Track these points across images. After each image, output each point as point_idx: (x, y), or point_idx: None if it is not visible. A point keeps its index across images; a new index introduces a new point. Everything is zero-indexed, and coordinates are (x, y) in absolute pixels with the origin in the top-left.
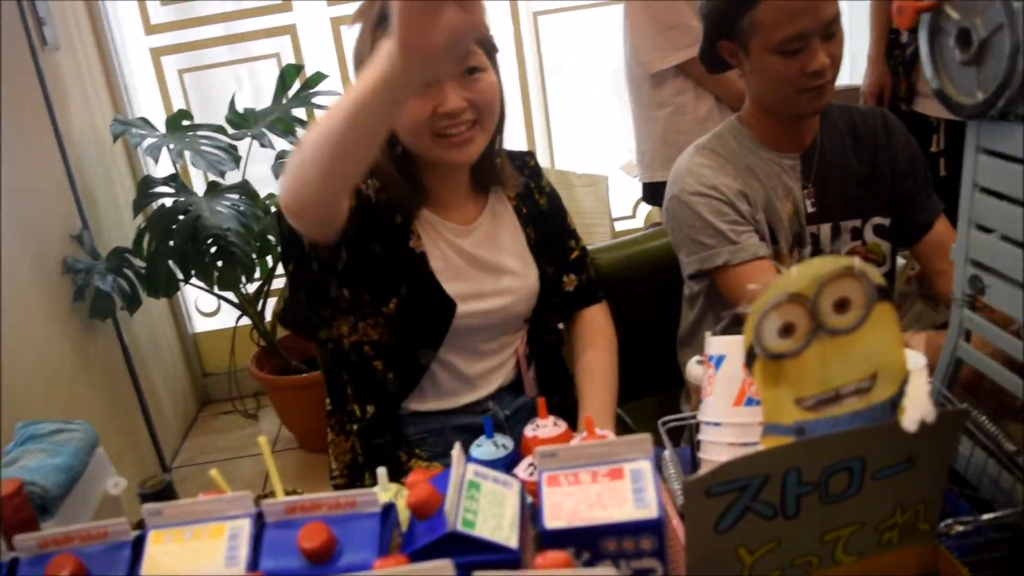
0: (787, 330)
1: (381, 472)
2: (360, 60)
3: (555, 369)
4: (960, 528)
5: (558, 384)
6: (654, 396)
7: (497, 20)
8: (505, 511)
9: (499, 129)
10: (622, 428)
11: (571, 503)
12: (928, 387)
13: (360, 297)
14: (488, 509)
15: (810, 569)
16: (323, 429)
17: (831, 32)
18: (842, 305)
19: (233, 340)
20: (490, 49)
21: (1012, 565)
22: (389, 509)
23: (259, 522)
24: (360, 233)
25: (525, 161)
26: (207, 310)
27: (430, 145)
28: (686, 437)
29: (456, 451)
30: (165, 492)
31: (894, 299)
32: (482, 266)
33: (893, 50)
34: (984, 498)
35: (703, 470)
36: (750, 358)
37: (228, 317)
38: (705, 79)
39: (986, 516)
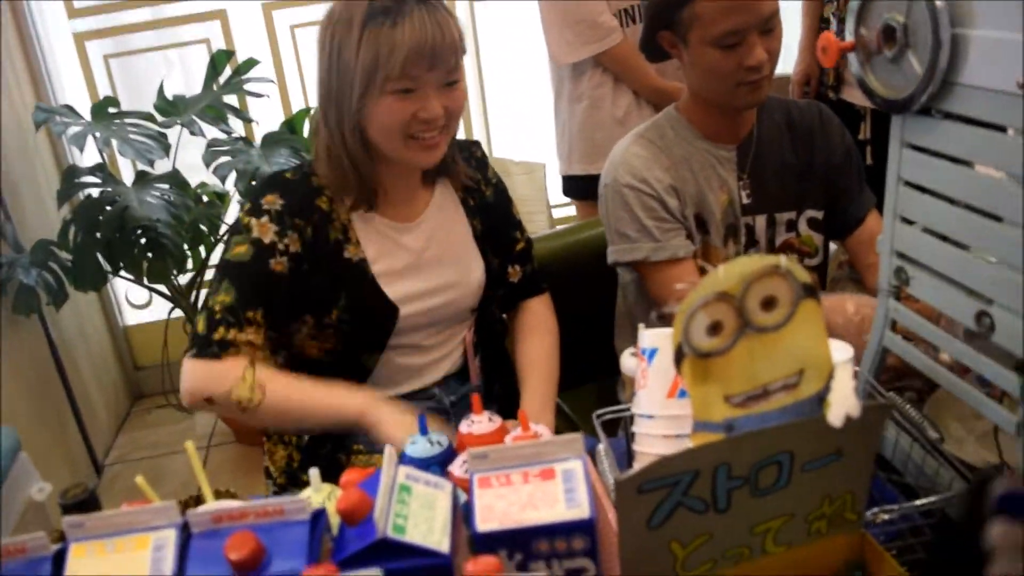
0: (715, 328)
1: (314, 473)
2: (341, 54)
3: (500, 357)
4: (886, 516)
5: (503, 372)
6: (593, 384)
7: None
8: (436, 514)
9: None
10: (561, 417)
11: (503, 505)
12: (853, 382)
13: (301, 321)
14: (419, 513)
15: (741, 560)
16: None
17: (769, 27)
18: (769, 303)
19: (166, 333)
20: (462, 55)
21: (937, 549)
22: (319, 515)
23: (185, 532)
24: (297, 276)
25: (472, 152)
26: (138, 303)
27: (400, 147)
28: (622, 427)
29: (387, 453)
30: (88, 502)
31: (827, 284)
32: (426, 263)
33: None
34: (909, 483)
35: (637, 462)
36: (679, 357)
37: (160, 310)
38: (622, 74)
39: (910, 504)
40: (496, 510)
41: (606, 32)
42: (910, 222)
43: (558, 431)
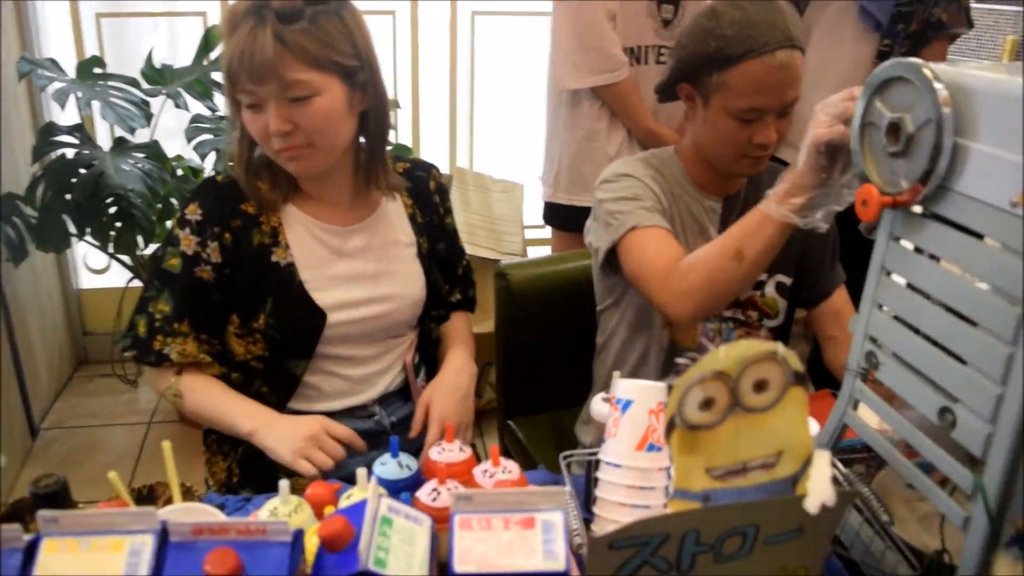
0: (707, 404)
1: (283, 485)
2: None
3: None
4: None
5: None
6: (548, 413)
7: (434, 14)
8: (416, 549)
9: (380, 139)
10: (513, 441)
11: (481, 548)
12: (831, 471)
13: (228, 320)
14: (400, 547)
15: None
16: None
17: (786, 112)
18: (760, 386)
19: (121, 302)
20: (337, 69)
21: None
22: (298, 537)
23: (162, 538)
24: (223, 282)
25: (430, 173)
26: (96, 267)
27: (274, 157)
28: (581, 465)
29: (372, 485)
30: (59, 494)
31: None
32: (359, 272)
33: None
34: (855, 559)
35: (599, 508)
36: (670, 427)
37: (118, 276)
38: (619, 111)
39: None
40: (474, 553)
41: (615, 65)
42: (886, 309)
43: (507, 454)
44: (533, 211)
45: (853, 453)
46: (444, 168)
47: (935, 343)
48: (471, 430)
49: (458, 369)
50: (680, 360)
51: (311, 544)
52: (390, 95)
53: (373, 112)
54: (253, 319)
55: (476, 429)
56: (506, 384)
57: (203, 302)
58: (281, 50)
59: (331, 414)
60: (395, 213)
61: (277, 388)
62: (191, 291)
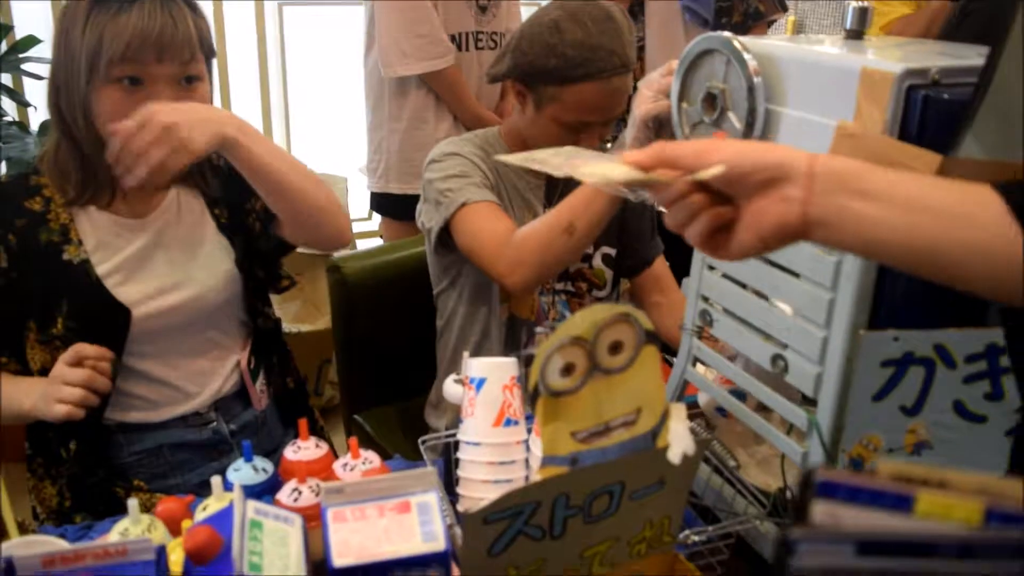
0: (568, 370)
1: (132, 504)
2: (69, 37)
3: (288, 380)
4: (696, 538)
5: (294, 395)
6: (393, 404)
7: (239, 9)
8: (290, 551)
9: None
10: (362, 435)
11: (359, 539)
12: (687, 422)
13: (26, 327)
14: (273, 550)
15: None
16: (20, 434)
17: (610, 122)
18: (616, 347)
19: None
20: (210, 55)
21: (733, 565)
22: (161, 553)
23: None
24: (12, 287)
25: None
26: None
27: None
28: (439, 451)
29: (236, 490)
30: None
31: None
32: (160, 260)
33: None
34: (707, 505)
35: (462, 488)
36: (534, 396)
37: None
38: (448, 97)
39: (715, 527)
40: (352, 544)
41: (444, 51)
42: (715, 269)
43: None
44: (358, 204)
45: (690, 410)
46: None
47: (763, 296)
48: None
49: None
50: (538, 330)
51: (175, 560)
52: None
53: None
54: (51, 325)
55: (321, 428)
56: (348, 379)
57: None
58: (194, 29)
59: (160, 425)
60: (190, 196)
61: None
62: None
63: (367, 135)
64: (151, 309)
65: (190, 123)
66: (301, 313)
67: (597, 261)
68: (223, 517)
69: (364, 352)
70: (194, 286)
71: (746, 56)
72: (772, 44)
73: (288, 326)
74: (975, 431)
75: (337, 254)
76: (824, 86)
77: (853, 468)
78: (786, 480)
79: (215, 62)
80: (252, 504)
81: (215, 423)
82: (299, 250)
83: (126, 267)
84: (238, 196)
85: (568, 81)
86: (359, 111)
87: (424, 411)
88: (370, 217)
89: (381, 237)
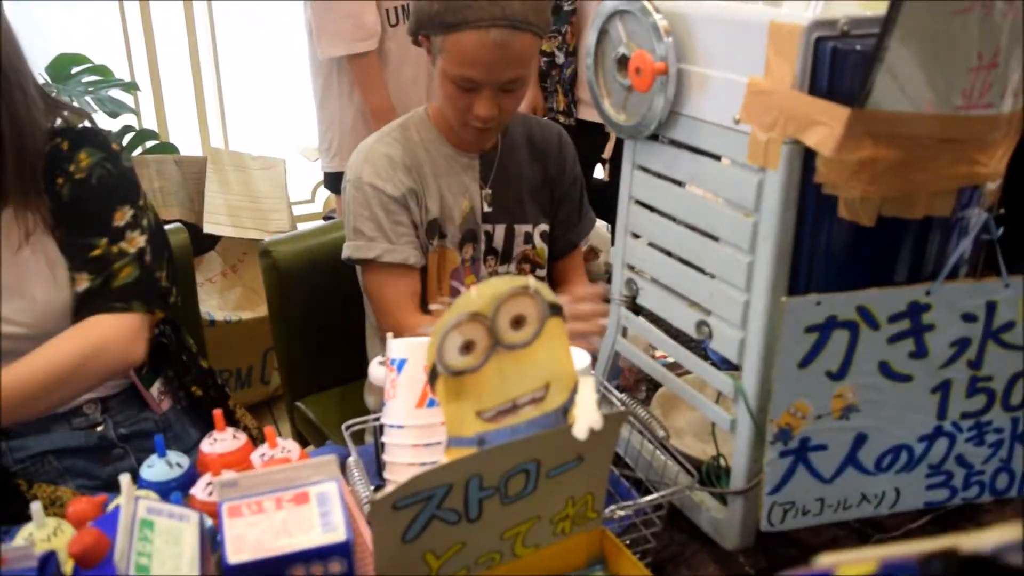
0: (468, 347)
1: (36, 507)
2: None
3: (193, 388)
4: (622, 512)
5: (203, 401)
6: (336, 388)
7: None
8: (183, 549)
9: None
10: (305, 422)
11: (255, 533)
12: (595, 395)
13: None
14: (164, 549)
15: (493, 565)
16: None
17: (509, 88)
18: (518, 322)
19: None
20: None
21: (666, 536)
22: (48, 560)
23: None
24: None
25: (61, 148)
26: None
27: None
28: (371, 434)
29: (125, 485)
30: None
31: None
32: None
33: (551, 71)
34: (640, 478)
35: (388, 472)
36: (433, 376)
37: None
38: (358, 83)
39: (642, 499)
40: (248, 540)
41: (366, 35)
42: (640, 237)
43: (302, 437)
44: (297, 186)
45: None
46: (197, 150)
47: (686, 262)
48: None
49: None
50: (433, 306)
51: (69, 565)
52: (125, 77)
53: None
54: None
55: (269, 416)
56: (289, 365)
57: None
58: None
59: (43, 427)
60: (24, 212)
61: None
62: None
63: (316, 114)
64: None
65: None
66: (242, 301)
67: (538, 240)
68: (112, 518)
69: (302, 337)
70: (26, 315)
71: (656, 16)
72: (683, 4)
73: (229, 314)
74: (902, 390)
75: (269, 238)
76: (734, 42)
77: (782, 437)
78: (718, 447)
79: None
80: (144, 503)
81: (102, 425)
82: (237, 236)
83: None
84: (80, 227)
85: (448, 28)
86: (296, 92)
87: (363, 395)
88: (312, 199)
89: (333, 218)
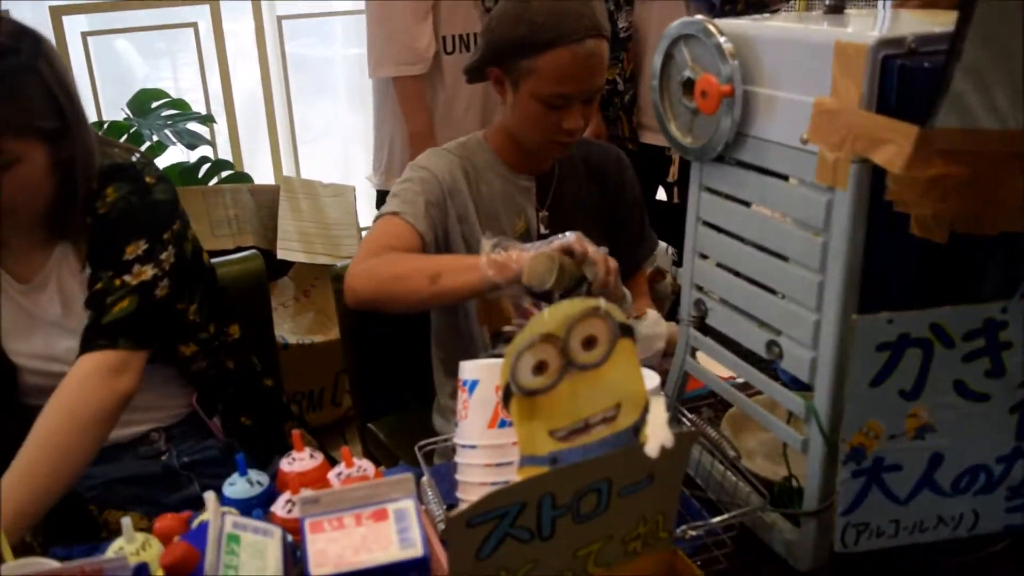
0: (540, 368)
1: (126, 522)
2: None
3: (241, 419)
4: (693, 532)
5: (255, 431)
6: (407, 411)
7: (239, 24)
8: (268, 563)
9: (78, 189)
10: (376, 444)
11: (336, 548)
12: (666, 413)
13: None
14: (250, 563)
15: None
16: None
17: (592, 98)
18: (589, 342)
19: None
20: (50, 131)
21: (738, 558)
22: (141, 571)
23: None
24: None
25: (92, 188)
26: None
27: None
28: (442, 454)
29: (211, 502)
30: None
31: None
32: (51, 326)
33: (612, 98)
34: (711, 498)
35: (461, 491)
36: (506, 396)
37: None
38: (403, 107)
39: (714, 520)
40: (330, 554)
41: (415, 59)
42: (708, 258)
43: (373, 458)
44: (367, 212)
45: (700, 400)
46: (270, 179)
47: (755, 282)
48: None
49: None
50: (507, 328)
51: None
52: (202, 110)
53: (79, 161)
54: None
55: (341, 437)
56: (360, 388)
57: None
58: None
59: (110, 455)
60: (75, 258)
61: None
62: None
63: (373, 134)
64: (40, 369)
65: None
66: (314, 325)
67: None
68: (200, 532)
69: (374, 360)
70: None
71: (720, 39)
72: (747, 24)
73: (302, 338)
74: (978, 410)
75: (341, 262)
76: (799, 63)
77: (855, 457)
78: (790, 468)
79: (66, 120)
80: (230, 518)
81: (165, 454)
82: (309, 262)
83: (19, 325)
84: (107, 256)
85: (540, 49)
86: (360, 120)
87: (433, 416)
88: None
89: None
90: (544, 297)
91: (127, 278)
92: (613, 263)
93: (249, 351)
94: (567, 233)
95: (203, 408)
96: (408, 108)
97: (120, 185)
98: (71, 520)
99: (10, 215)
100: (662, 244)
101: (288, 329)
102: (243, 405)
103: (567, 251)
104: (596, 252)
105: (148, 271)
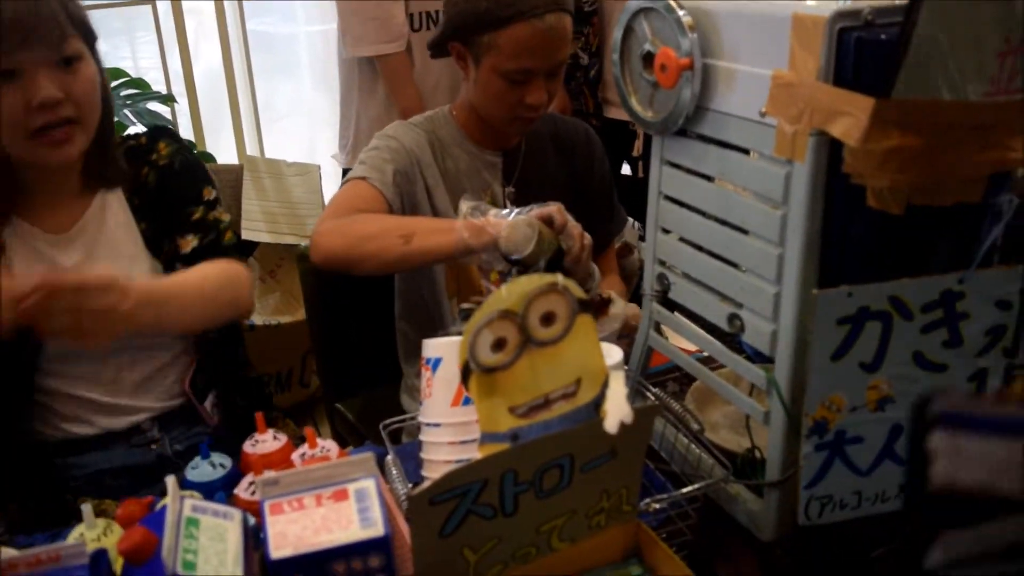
0: (499, 345)
1: (86, 509)
2: None
3: (236, 398)
4: (657, 505)
5: (246, 411)
6: (376, 390)
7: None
8: (228, 546)
9: (108, 122)
10: (344, 424)
11: (296, 529)
12: (625, 388)
13: None
14: (209, 546)
15: (529, 559)
16: None
17: (555, 73)
18: (548, 318)
19: None
20: (89, 36)
21: (702, 529)
22: (99, 558)
23: None
24: None
25: (140, 143)
26: None
27: (26, 143)
28: (410, 433)
29: (171, 486)
30: None
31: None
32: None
33: (575, 72)
34: (675, 471)
35: (426, 469)
36: (466, 373)
37: None
38: (386, 83)
39: (678, 492)
40: (290, 535)
41: (394, 36)
42: (671, 232)
43: (342, 438)
44: (332, 191)
45: (667, 374)
46: (233, 159)
47: (717, 256)
48: None
49: None
50: (464, 305)
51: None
52: (162, 89)
53: (105, 92)
54: None
55: (310, 418)
56: (328, 368)
57: None
58: (60, 8)
59: (102, 442)
60: (115, 206)
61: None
62: None
63: (340, 112)
64: None
65: (92, 318)
66: (280, 305)
67: None
68: (159, 517)
69: (341, 339)
70: None
71: (680, 13)
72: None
73: (268, 319)
74: (937, 380)
75: (307, 242)
76: (758, 36)
77: (818, 431)
78: (753, 440)
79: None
80: (189, 502)
81: (158, 441)
82: (274, 242)
83: None
84: (171, 208)
85: (500, 24)
86: (325, 99)
87: (400, 395)
88: None
89: None
90: (519, 264)
91: (217, 214)
92: (588, 239)
93: (227, 333)
94: (548, 203)
95: (194, 393)
96: (396, 85)
97: (169, 142)
98: (48, 510)
99: (77, 127)
100: (629, 220)
101: (254, 310)
102: (233, 388)
103: (546, 220)
104: (575, 225)
105: (225, 215)
